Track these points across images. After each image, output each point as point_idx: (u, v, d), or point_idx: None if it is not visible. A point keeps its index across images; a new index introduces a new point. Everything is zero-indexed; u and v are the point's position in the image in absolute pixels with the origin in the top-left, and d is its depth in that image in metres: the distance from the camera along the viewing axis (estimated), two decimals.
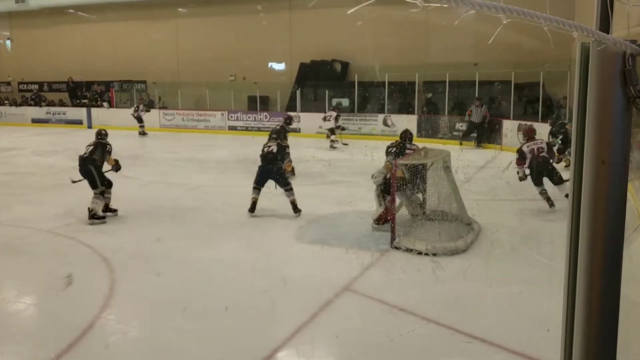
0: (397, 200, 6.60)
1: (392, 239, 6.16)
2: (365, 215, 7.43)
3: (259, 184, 7.67)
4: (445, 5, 0.84)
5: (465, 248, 6.06)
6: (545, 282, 5.38)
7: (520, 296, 4.97)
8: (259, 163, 7.75)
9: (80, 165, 7.54)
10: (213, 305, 4.75)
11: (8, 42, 25.12)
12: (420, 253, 5.91)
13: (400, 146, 7.23)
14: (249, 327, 4.39)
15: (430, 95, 17.48)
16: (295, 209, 7.52)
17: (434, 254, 5.87)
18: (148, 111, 19.05)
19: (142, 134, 18.73)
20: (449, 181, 6.63)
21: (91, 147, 7.64)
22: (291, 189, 7.58)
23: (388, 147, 7.31)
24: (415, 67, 17.62)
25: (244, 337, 4.23)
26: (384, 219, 6.68)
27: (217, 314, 4.56)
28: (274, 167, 7.63)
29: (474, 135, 15.21)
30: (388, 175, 6.74)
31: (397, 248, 6.08)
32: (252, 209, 7.61)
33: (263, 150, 7.91)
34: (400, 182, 6.65)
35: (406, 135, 7.52)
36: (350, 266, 5.62)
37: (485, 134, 15.07)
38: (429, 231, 6.22)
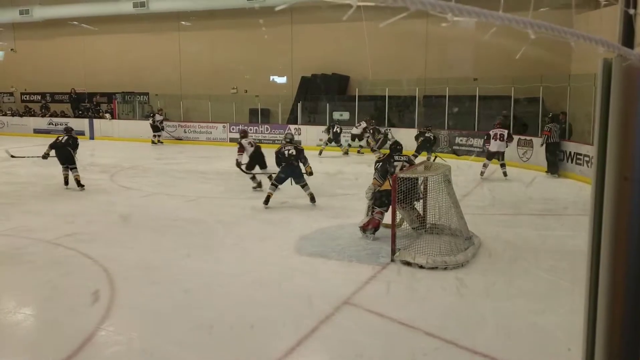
0: (398, 215, 6.64)
1: (393, 252, 6.17)
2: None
3: (279, 182, 8.79)
4: (474, 20, 0.86)
5: (465, 262, 6.07)
6: (546, 296, 5.39)
7: (520, 310, 4.97)
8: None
9: (59, 150, 10.29)
10: (212, 317, 4.75)
11: (1, 53, 25.29)
12: (420, 267, 5.91)
13: (388, 159, 7.19)
14: (249, 340, 4.38)
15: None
16: (313, 199, 8.82)
17: (434, 268, 5.87)
18: (165, 120, 19.15)
19: (157, 142, 18.83)
20: (449, 195, 6.65)
21: (65, 138, 10.42)
22: (307, 184, 8.86)
23: (376, 162, 7.31)
24: (416, 81, 17.73)
25: (244, 350, 4.23)
26: (366, 228, 6.98)
27: (217, 327, 4.55)
28: (295, 167, 8.74)
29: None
30: (380, 188, 6.95)
31: (397, 261, 6.09)
32: (267, 201, 8.69)
33: (283, 154, 8.79)
34: (388, 195, 6.88)
35: (395, 147, 7.55)
36: (350, 279, 5.62)
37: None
38: (430, 245, 6.22)
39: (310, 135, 18.11)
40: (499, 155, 12.22)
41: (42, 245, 6.87)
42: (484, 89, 16.05)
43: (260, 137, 18.99)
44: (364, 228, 7.02)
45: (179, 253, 6.58)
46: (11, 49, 25.39)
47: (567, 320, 4.54)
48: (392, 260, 6.12)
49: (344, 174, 12.62)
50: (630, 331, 1.15)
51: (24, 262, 6.23)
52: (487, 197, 10.17)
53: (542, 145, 12.67)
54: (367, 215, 7.06)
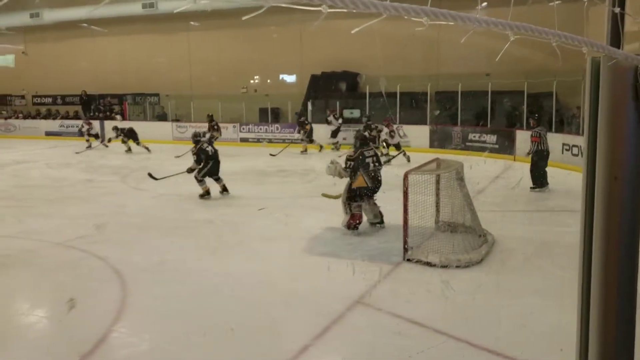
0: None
1: (405, 251, 6.11)
2: (377, 228, 7.38)
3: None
4: (451, 23, 0.82)
5: (479, 260, 6.00)
6: (560, 294, 5.30)
7: (534, 308, 4.91)
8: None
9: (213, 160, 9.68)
10: (224, 318, 4.73)
11: (12, 56, 25.56)
12: (433, 265, 5.85)
13: (361, 155, 7.19)
14: (260, 340, 4.36)
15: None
16: None
17: (447, 266, 5.81)
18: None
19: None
20: (462, 192, 6.58)
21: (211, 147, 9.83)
22: None
23: (347, 159, 7.24)
24: (427, 77, 17.62)
25: (255, 351, 4.21)
26: (351, 225, 7.08)
27: (228, 328, 4.53)
28: None
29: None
30: (352, 185, 7.10)
31: (409, 260, 6.03)
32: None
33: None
34: (363, 191, 7.10)
35: (366, 142, 7.61)
36: (362, 279, 5.57)
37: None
38: (443, 243, 6.16)
39: (319, 133, 17.98)
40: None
41: (54, 247, 6.89)
42: (497, 84, 15.90)
43: (270, 137, 18.99)
44: (348, 225, 7.10)
45: (190, 254, 6.57)
46: (22, 52, 25.60)
47: None
48: (405, 259, 6.07)
49: None
50: (624, 328, 1.14)
51: (36, 265, 6.26)
52: (502, 194, 10.06)
53: (528, 154, 10.49)
54: (346, 212, 7.14)
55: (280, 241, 6.99)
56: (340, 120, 17.58)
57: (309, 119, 18.55)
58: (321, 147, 17.26)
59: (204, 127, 20.19)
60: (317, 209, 7.57)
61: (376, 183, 7.21)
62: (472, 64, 17.27)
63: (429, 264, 5.89)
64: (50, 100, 25.11)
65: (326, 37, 19.54)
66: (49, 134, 22.60)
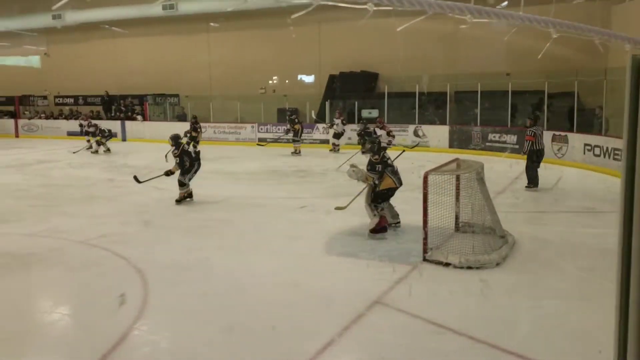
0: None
1: (425, 252, 6.08)
2: (396, 227, 7.36)
3: None
4: (494, 21, 0.82)
5: (499, 261, 5.94)
6: (583, 296, 5.25)
7: (556, 310, 4.85)
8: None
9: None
10: (244, 317, 4.75)
11: (36, 58, 25.98)
12: (453, 266, 5.81)
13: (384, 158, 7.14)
14: (281, 339, 4.37)
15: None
16: None
17: (467, 267, 5.77)
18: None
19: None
20: (482, 192, 6.52)
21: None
22: None
23: (374, 163, 7.04)
24: (447, 77, 17.53)
25: (276, 350, 4.22)
26: (379, 229, 6.90)
27: (249, 327, 4.56)
28: None
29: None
30: (380, 187, 6.96)
31: (429, 261, 6.00)
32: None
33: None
34: (392, 192, 7.06)
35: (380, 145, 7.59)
36: (381, 279, 5.56)
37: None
38: (462, 244, 6.10)
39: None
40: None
41: (77, 246, 6.99)
42: (517, 83, 15.75)
43: (288, 137, 19.00)
44: (376, 230, 6.93)
45: (210, 253, 6.61)
46: (45, 53, 26.02)
47: (608, 321, 4.40)
48: (424, 260, 6.04)
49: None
50: None
51: (60, 263, 6.35)
52: (523, 194, 9.96)
53: (524, 153, 10.50)
54: (374, 215, 6.97)
55: (301, 241, 7.00)
56: (345, 126, 17.52)
57: (329, 120, 18.56)
58: (336, 146, 17.26)
59: (221, 127, 20.36)
60: (335, 210, 7.57)
61: (400, 181, 7.16)
62: (492, 64, 17.14)
63: (448, 264, 5.85)
64: (72, 100, 25.44)
65: (344, 37, 19.55)
66: (70, 134, 22.89)
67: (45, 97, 26.10)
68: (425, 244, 6.09)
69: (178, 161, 9.14)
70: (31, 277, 5.95)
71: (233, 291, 5.38)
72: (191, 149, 9.42)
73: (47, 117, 24.51)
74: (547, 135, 14.01)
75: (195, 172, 9.40)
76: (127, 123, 22.26)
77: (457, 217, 6.90)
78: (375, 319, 4.71)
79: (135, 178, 9.19)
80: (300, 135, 16.99)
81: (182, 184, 9.23)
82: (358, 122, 18.18)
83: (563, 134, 13.73)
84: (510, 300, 5.11)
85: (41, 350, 4.38)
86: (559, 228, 7.60)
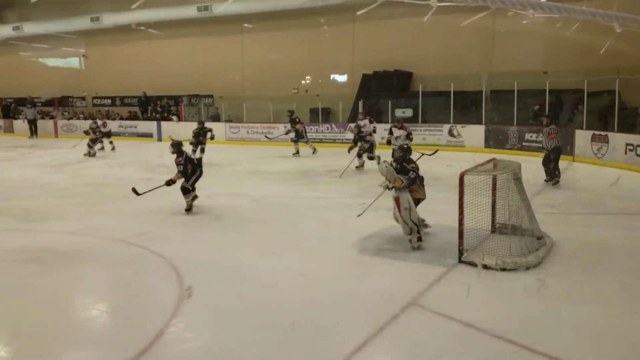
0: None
1: (460, 253, 6.00)
2: (431, 228, 7.27)
3: None
4: (556, 15, 0.79)
5: (537, 263, 5.82)
6: (622, 299, 5.10)
7: (595, 314, 4.73)
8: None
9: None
10: (278, 316, 4.77)
11: (77, 60, 26.62)
12: (489, 268, 5.72)
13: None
14: (314, 339, 4.36)
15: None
16: None
17: (504, 269, 5.66)
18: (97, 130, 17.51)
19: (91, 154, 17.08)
20: (519, 193, 6.39)
21: None
22: None
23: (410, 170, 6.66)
24: (482, 75, 17.28)
25: (309, 350, 4.22)
26: (420, 239, 6.51)
27: (283, 326, 4.56)
28: None
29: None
30: (413, 196, 6.59)
31: (465, 262, 5.91)
32: None
33: None
34: (419, 202, 6.75)
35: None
36: (416, 280, 5.50)
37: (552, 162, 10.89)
38: (499, 245, 6.00)
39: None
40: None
41: (115, 244, 7.12)
42: (555, 82, 15.40)
43: (320, 137, 19.03)
44: (419, 243, 6.51)
45: (245, 252, 6.66)
46: (83, 55, 26.65)
47: None
48: (460, 261, 5.95)
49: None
50: None
51: (98, 261, 6.48)
52: (561, 195, 9.73)
53: (548, 150, 10.76)
54: (407, 223, 6.48)
55: (335, 241, 6.98)
56: (373, 124, 14.46)
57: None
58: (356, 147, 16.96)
59: (254, 127, 20.47)
60: (370, 209, 7.51)
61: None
62: (529, 62, 16.82)
63: (484, 266, 5.75)
64: (109, 101, 25.98)
65: (378, 36, 19.45)
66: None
67: (83, 98, 26.70)
68: (460, 245, 6.01)
69: (181, 169, 8.63)
70: (71, 274, 6.08)
71: (266, 290, 5.40)
72: (198, 154, 8.93)
73: (85, 118, 25.07)
74: (587, 135, 13.69)
75: (197, 178, 8.92)
76: (163, 123, 22.59)
77: (493, 218, 6.78)
78: (410, 321, 4.66)
79: (134, 190, 8.55)
80: (306, 135, 16.48)
81: (186, 191, 8.74)
82: (391, 122, 18.06)
83: (603, 133, 13.37)
84: (548, 303, 5.00)
85: (80, 345, 4.47)
86: (598, 230, 7.40)
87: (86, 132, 17.62)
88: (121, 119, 24.05)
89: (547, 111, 14.18)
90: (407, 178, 6.52)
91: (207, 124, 15.71)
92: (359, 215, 7.40)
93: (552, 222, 7.17)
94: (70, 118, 25.38)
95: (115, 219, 8.38)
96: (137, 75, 24.56)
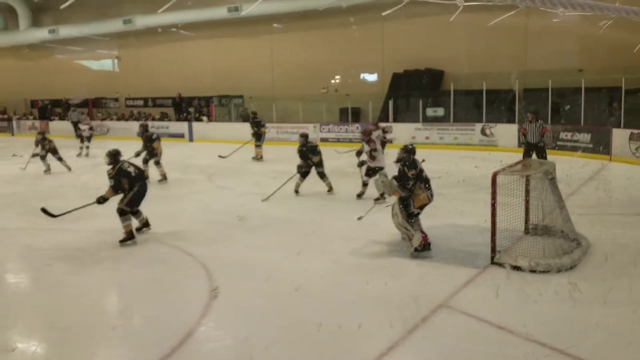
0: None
1: (493, 254, 5.89)
2: (462, 229, 7.17)
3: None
4: (588, 13, 0.74)
5: (571, 265, 5.68)
6: None
7: (631, 318, 4.59)
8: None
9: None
10: (307, 316, 4.75)
11: (110, 62, 27.12)
12: (522, 270, 5.60)
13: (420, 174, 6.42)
14: (343, 340, 4.33)
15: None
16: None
17: (537, 271, 5.54)
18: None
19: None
20: (554, 194, 6.25)
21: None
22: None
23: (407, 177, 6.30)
24: (515, 74, 16.99)
25: (338, 350, 4.19)
26: (424, 244, 6.20)
27: (310, 326, 4.54)
28: None
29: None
30: (415, 205, 6.27)
31: (497, 264, 5.80)
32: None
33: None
34: (424, 207, 6.35)
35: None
36: (446, 282, 5.43)
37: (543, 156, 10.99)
38: (532, 247, 5.88)
39: (401, 133, 17.74)
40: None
41: (146, 242, 7.21)
42: (590, 80, 15.05)
43: (350, 137, 18.97)
44: (422, 246, 6.21)
45: (273, 252, 6.67)
46: (116, 57, 27.15)
47: None
48: (492, 263, 5.84)
49: (433, 172, 12.26)
50: None
51: (130, 259, 6.57)
52: (597, 196, 9.48)
53: (544, 144, 10.93)
54: (415, 231, 6.24)
55: (361, 242, 6.92)
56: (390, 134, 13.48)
57: (390, 119, 18.33)
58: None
59: (284, 127, 20.50)
60: None
61: (432, 195, 6.42)
62: (563, 60, 16.46)
63: (517, 268, 5.65)
64: (141, 102, 26.39)
65: (409, 35, 19.29)
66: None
67: (116, 100, 27.20)
68: (493, 246, 5.90)
69: (112, 183, 7.15)
70: (103, 272, 6.19)
71: (293, 290, 5.39)
72: (131, 167, 7.32)
73: (117, 119, 25.52)
74: (625, 134, 13.33)
75: (138, 196, 7.33)
76: (194, 124, 22.84)
77: (526, 219, 6.64)
78: (440, 322, 4.60)
79: (45, 211, 7.29)
80: (263, 140, 15.59)
81: (122, 213, 7.16)
82: (422, 122, 17.89)
83: None
84: (582, 306, 4.87)
85: (111, 343, 4.53)
86: (634, 232, 7.19)
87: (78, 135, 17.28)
88: (153, 119, 24.39)
89: (544, 111, 13.86)
90: (402, 188, 6.26)
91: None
92: (359, 219, 7.44)
93: (588, 224, 6.99)
94: (104, 119, 25.86)
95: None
96: (168, 76, 24.89)
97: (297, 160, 9.90)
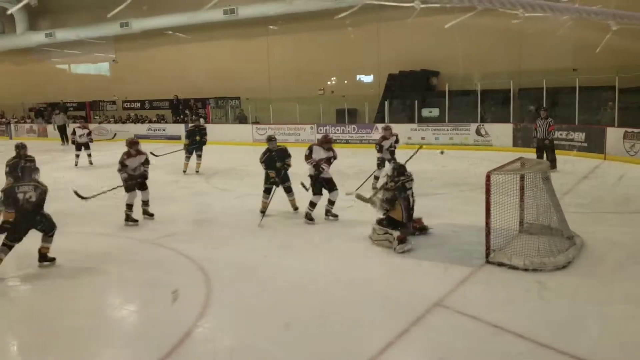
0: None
1: (487, 253, 5.95)
2: (457, 228, 7.23)
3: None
4: (548, 15, 0.79)
5: (566, 263, 5.74)
6: None
7: (625, 316, 4.65)
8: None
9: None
10: (304, 316, 4.81)
11: (107, 65, 27.13)
12: (516, 268, 5.65)
13: (402, 187, 6.88)
14: (340, 339, 4.38)
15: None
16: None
17: (532, 270, 5.59)
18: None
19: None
20: (548, 193, 6.30)
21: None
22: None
23: (386, 187, 6.98)
24: (510, 74, 17.06)
25: (335, 349, 4.23)
26: (405, 239, 6.52)
27: (309, 326, 4.60)
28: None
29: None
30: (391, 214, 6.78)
31: (492, 263, 5.86)
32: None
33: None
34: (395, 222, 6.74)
35: (403, 173, 7.02)
36: (443, 281, 5.48)
37: (548, 154, 11.81)
38: (527, 246, 5.93)
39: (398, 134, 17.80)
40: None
41: (145, 245, 7.25)
42: (585, 79, 15.13)
43: (347, 138, 19.03)
44: (403, 240, 6.49)
45: (271, 252, 6.72)
46: (113, 60, 27.17)
47: None
48: (487, 262, 5.90)
49: (429, 172, 12.33)
50: None
51: (127, 261, 6.61)
52: (591, 194, 9.55)
53: (550, 141, 11.92)
54: (392, 230, 6.63)
55: (361, 242, 6.98)
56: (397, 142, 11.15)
57: (386, 120, 18.37)
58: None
59: (281, 129, 20.54)
60: None
61: (411, 218, 6.90)
62: (558, 59, 16.54)
63: (512, 267, 5.70)
64: (138, 105, 26.42)
65: (404, 36, 19.36)
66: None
67: (114, 102, 27.21)
68: (488, 245, 5.95)
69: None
70: (102, 275, 6.21)
71: (292, 290, 5.45)
72: (20, 192, 6.08)
73: (115, 122, 25.53)
74: (619, 133, 13.40)
75: (17, 229, 6.02)
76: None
77: (521, 218, 6.70)
78: (436, 321, 4.65)
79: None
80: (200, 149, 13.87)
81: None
82: (418, 122, 17.96)
83: (636, 130, 13.06)
84: (577, 304, 4.93)
85: (110, 344, 4.58)
86: (629, 229, 7.25)
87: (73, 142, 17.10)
88: (150, 122, 24.43)
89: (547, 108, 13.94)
90: (386, 202, 6.80)
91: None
92: (348, 194, 7.72)
93: (581, 222, 7.05)
94: (102, 122, 25.88)
95: (144, 220, 8.51)
96: (165, 78, 24.92)
97: (292, 162, 9.63)
